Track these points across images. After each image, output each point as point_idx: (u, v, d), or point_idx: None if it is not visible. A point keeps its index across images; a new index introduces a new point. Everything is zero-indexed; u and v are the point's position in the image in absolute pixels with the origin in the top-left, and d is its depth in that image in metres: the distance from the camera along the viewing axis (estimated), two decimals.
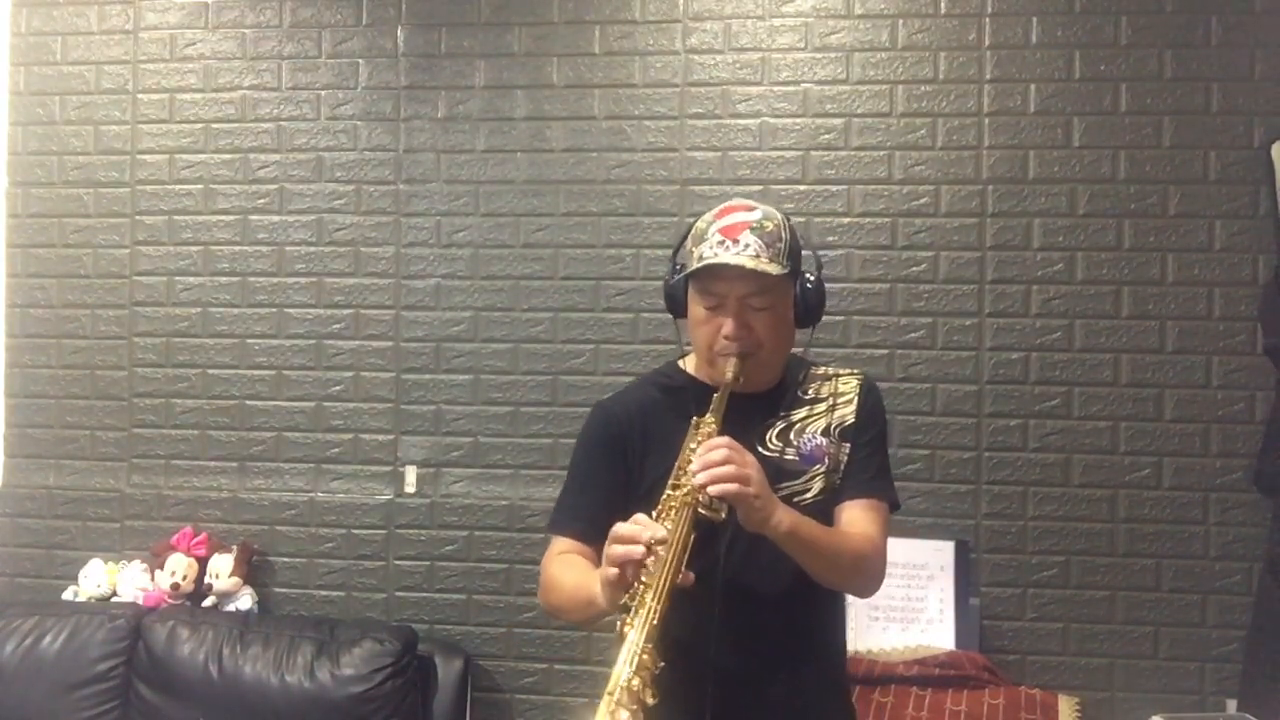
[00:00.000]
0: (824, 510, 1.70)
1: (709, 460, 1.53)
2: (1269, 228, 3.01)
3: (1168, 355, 3.06)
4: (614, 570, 1.46)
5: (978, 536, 3.08)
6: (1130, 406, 3.07)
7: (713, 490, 1.51)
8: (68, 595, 3.34)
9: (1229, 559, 3.01)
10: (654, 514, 1.54)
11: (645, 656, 1.38)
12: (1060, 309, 3.10)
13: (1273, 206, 2.99)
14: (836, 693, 1.83)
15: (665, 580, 1.43)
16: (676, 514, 1.52)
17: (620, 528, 1.49)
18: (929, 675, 2.78)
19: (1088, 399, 3.08)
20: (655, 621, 1.40)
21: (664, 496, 1.57)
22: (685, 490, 1.54)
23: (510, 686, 3.26)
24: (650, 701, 1.35)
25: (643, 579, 1.44)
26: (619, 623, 1.46)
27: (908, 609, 2.94)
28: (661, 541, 1.45)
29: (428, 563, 3.31)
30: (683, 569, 1.47)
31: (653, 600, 1.42)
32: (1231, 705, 2.91)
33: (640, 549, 1.44)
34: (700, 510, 1.53)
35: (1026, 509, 3.09)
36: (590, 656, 3.20)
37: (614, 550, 1.47)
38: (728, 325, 1.68)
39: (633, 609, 1.43)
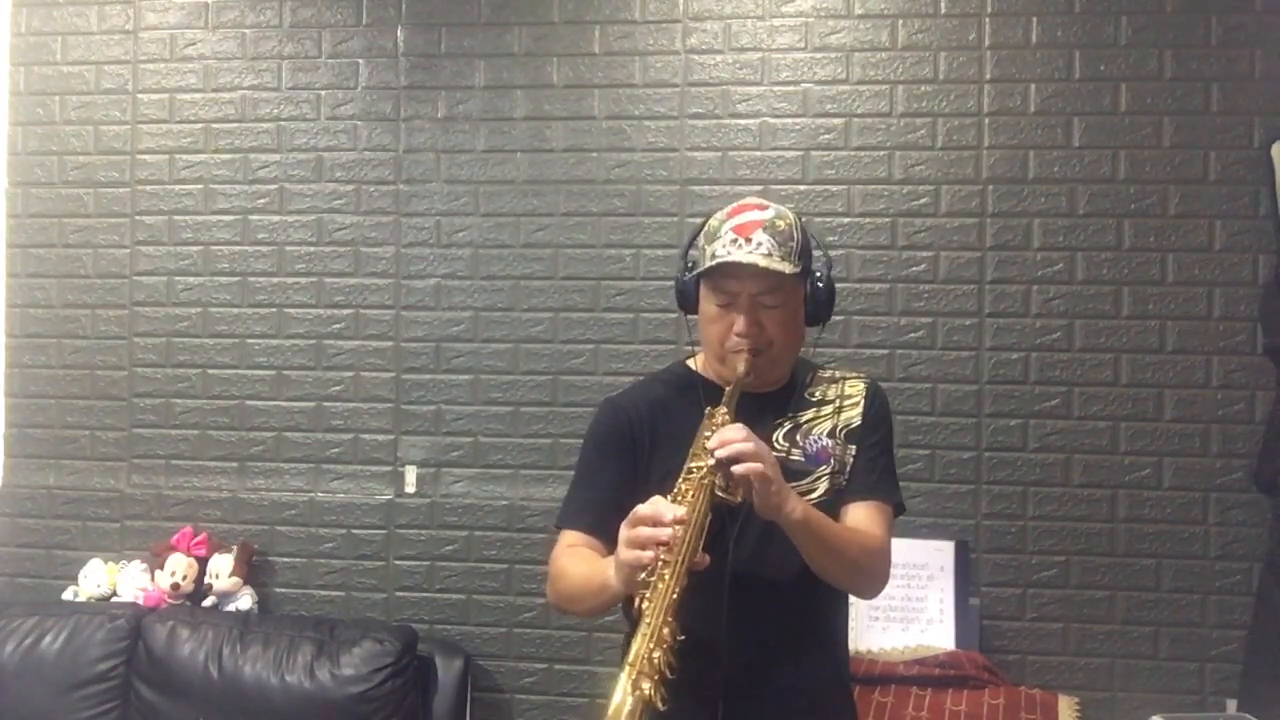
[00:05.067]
0: (829, 512, 1.70)
1: (728, 438, 1.54)
2: (1269, 228, 3.01)
3: (1168, 355, 3.06)
4: (642, 553, 1.46)
5: (978, 536, 3.08)
6: (1130, 406, 3.07)
7: (736, 470, 1.51)
8: (68, 595, 3.34)
9: (1229, 559, 3.01)
10: (669, 497, 1.54)
11: (665, 630, 1.39)
12: (1060, 309, 3.10)
13: (1273, 206, 2.99)
14: (840, 686, 1.84)
15: (684, 557, 1.44)
16: (694, 494, 1.53)
17: (640, 509, 1.50)
18: (929, 675, 2.78)
19: (1088, 399, 3.08)
20: (674, 597, 1.41)
21: (680, 478, 1.57)
22: (702, 472, 1.55)
23: (510, 686, 3.26)
24: (670, 674, 1.36)
25: (661, 557, 1.45)
26: (637, 599, 1.46)
27: (908, 609, 2.94)
28: (681, 521, 1.46)
29: (428, 563, 3.31)
30: (699, 550, 1.48)
31: (671, 577, 1.42)
32: (1231, 705, 2.91)
33: (667, 531, 1.45)
34: (717, 492, 1.54)
35: (1026, 509, 3.09)
36: (590, 657, 3.20)
37: (640, 533, 1.47)
38: (740, 323, 1.69)
39: (651, 585, 1.44)
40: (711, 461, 1.54)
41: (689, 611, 1.44)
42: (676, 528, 1.45)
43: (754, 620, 1.66)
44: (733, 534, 1.64)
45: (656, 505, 1.49)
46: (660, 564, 1.44)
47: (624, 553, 1.49)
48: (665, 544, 1.44)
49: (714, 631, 1.60)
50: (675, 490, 1.56)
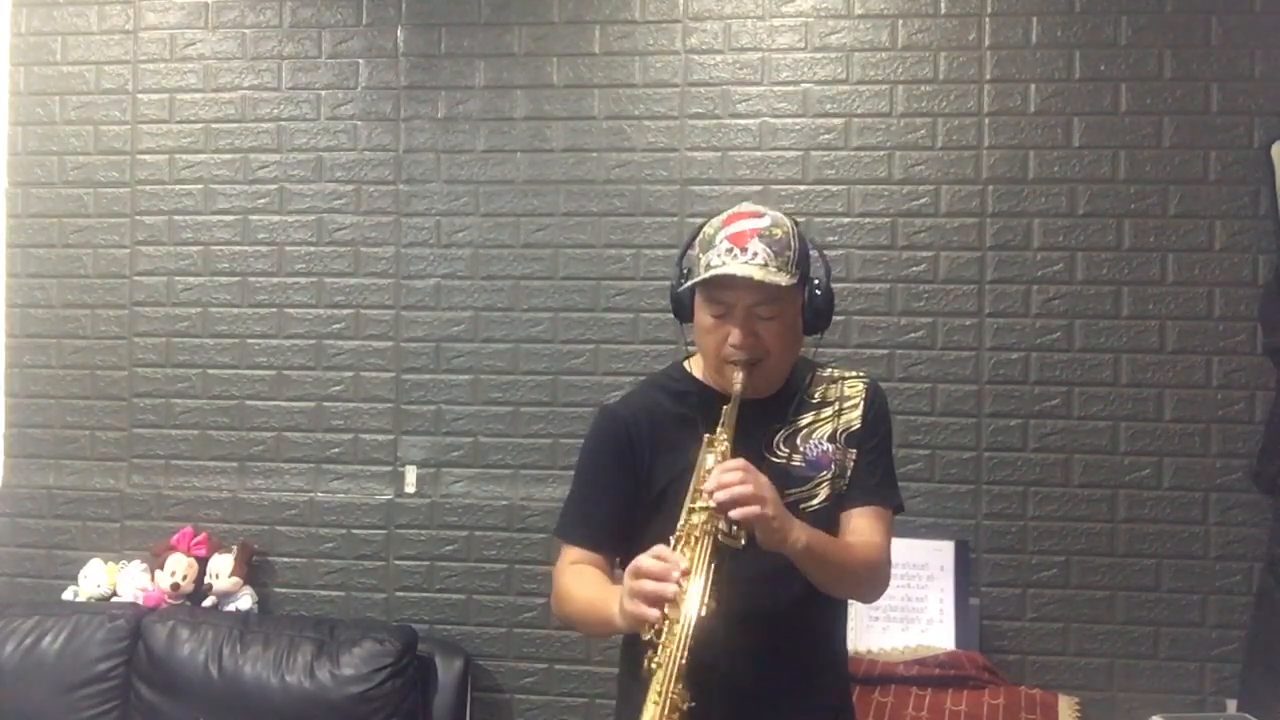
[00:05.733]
0: (830, 516, 1.70)
1: (725, 481, 1.51)
2: (1269, 228, 3.01)
3: (1168, 355, 3.06)
4: (648, 611, 1.44)
5: (978, 536, 3.08)
6: (1130, 406, 3.07)
7: (734, 515, 1.49)
8: (68, 595, 3.34)
9: (1229, 559, 3.01)
10: (672, 541, 1.52)
11: (675, 697, 1.38)
12: (1060, 309, 3.10)
13: (1273, 206, 2.99)
14: (842, 697, 1.83)
15: (691, 615, 1.43)
16: (697, 543, 1.50)
17: (644, 563, 1.47)
18: (929, 675, 2.78)
19: (1088, 399, 3.08)
20: (683, 660, 1.39)
21: (681, 524, 1.55)
22: (704, 519, 1.52)
23: (510, 686, 3.26)
24: None
25: (666, 614, 1.43)
26: (645, 659, 1.45)
27: (908, 609, 2.94)
28: (685, 574, 1.45)
29: (428, 563, 3.31)
30: (705, 602, 1.46)
31: (681, 634, 1.41)
32: (1231, 705, 2.91)
33: (673, 588, 1.43)
34: (720, 539, 1.51)
35: (1026, 509, 3.09)
36: (590, 656, 3.20)
37: (644, 587, 1.45)
38: (735, 334, 1.66)
39: (659, 646, 1.42)
40: (712, 505, 1.51)
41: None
42: (682, 581, 1.43)
43: (752, 648, 1.64)
44: (725, 563, 1.60)
45: (662, 558, 1.47)
46: (667, 622, 1.43)
47: (629, 604, 1.47)
48: (671, 601, 1.43)
49: (714, 656, 1.56)
50: (677, 533, 1.54)
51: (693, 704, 1.39)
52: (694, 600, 1.44)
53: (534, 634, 3.25)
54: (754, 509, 1.50)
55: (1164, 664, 3.03)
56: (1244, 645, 2.92)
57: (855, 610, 2.85)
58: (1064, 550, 3.07)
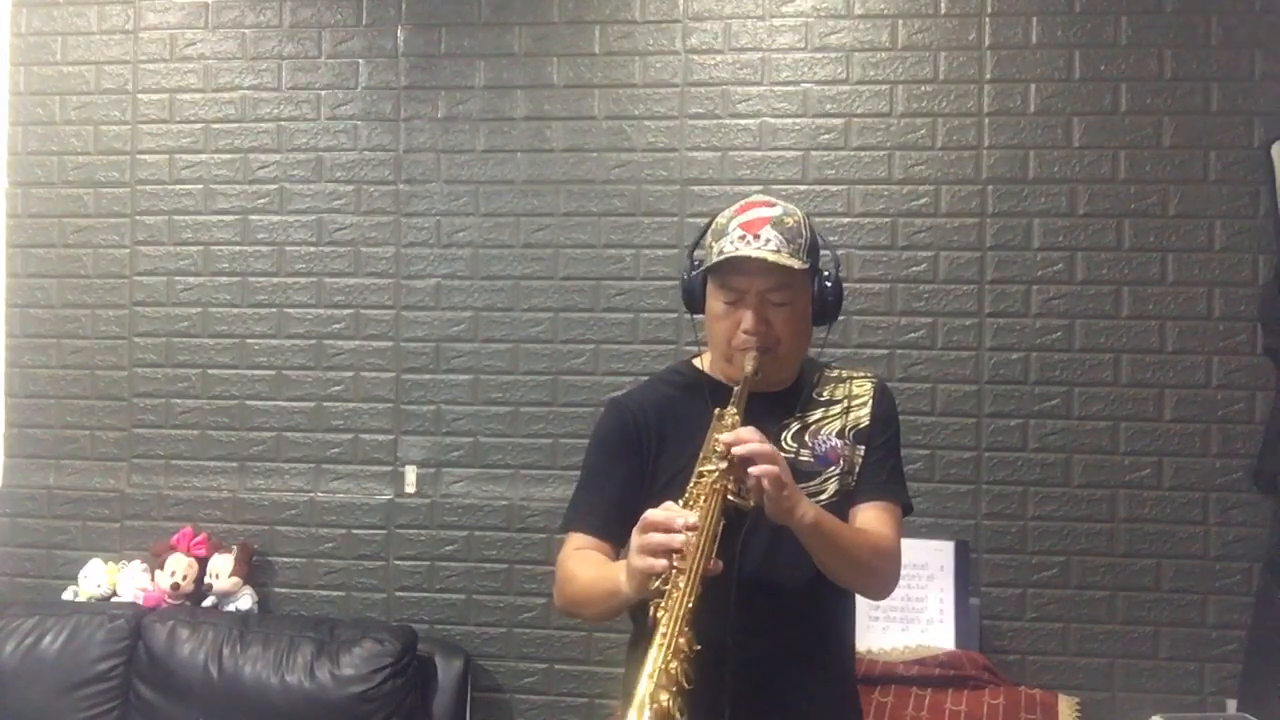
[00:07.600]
0: (838, 513, 1.69)
1: (744, 438, 1.53)
2: (1269, 228, 3.01)
3: (1168, 355, 3.06)
4: (655, 561, 1.45)
5: (978, 536, 3.08)
6: (1130, 406, 3.07)
7: (753, 470, 1.50)
8: (68, 595, 3.34)
9: (1229, 559, 3.01)
10: (680, 501, 1.53)
11: (681, 640, 1.38)
12: (1060, 309, 3.10)
13: (1273, 206, 2.99)
14: (848, 692, 1.83)
15: (698, 565, 1.43)
16: (706, 499, 1.51)
17: (652, 515, 1.48)
18: (929, 675, 2.78)
19: (1088, 399, 3.08)
20: (690, 606, 1.40)
21: (691, 483, 1.56)
22: (714, 476, 1.53)
23: (510, 686, 3.26)
24: (687, 685, 1.36)
25: (674, 564, 1.44)
26: (651, 607, 1.45)
27: (908, 609, 2.94)
28: (694, 527, 1.45)
29: (428, 563, 3.31)
30: (712, 556, 1.47)
31: (685, 585, 1.41)
32: (1231, 705, 2.91)
33: (680, 537, 1.44)
34: (729, 497, 1.53)
35: (1026, 509, 3.09)
36: (590, 656, 3.20)
37: (652, 539, 1.46)
38: (747, 319, 1.68)
39: (665, 594, 1.43)
40: (724, 465, 1.52)
41: (698, 613, 1.43)
42: (689, 534, 1.44)
43: (761, 627, 1.64)
44: (740, 535, 1.63)
45: (669, 511, 1.48)
46: (674, 572, 1.43)
47: (636, 559, 1.48)
48: (678, 551, 1.44)
49: (721, 638, 1.58)
50: (686, 494, 1.55)
51: (698, 648, 1.40)
52: (701, 551, 1.44)
53: (534, 634, 3.25)
54: (771, 468, 1.50)
55: (1164, 664, 3.03)
56: (1244, 645, 2.92)
57: (857, 610, 2.85)
58: (1064, 550, 3.07)
